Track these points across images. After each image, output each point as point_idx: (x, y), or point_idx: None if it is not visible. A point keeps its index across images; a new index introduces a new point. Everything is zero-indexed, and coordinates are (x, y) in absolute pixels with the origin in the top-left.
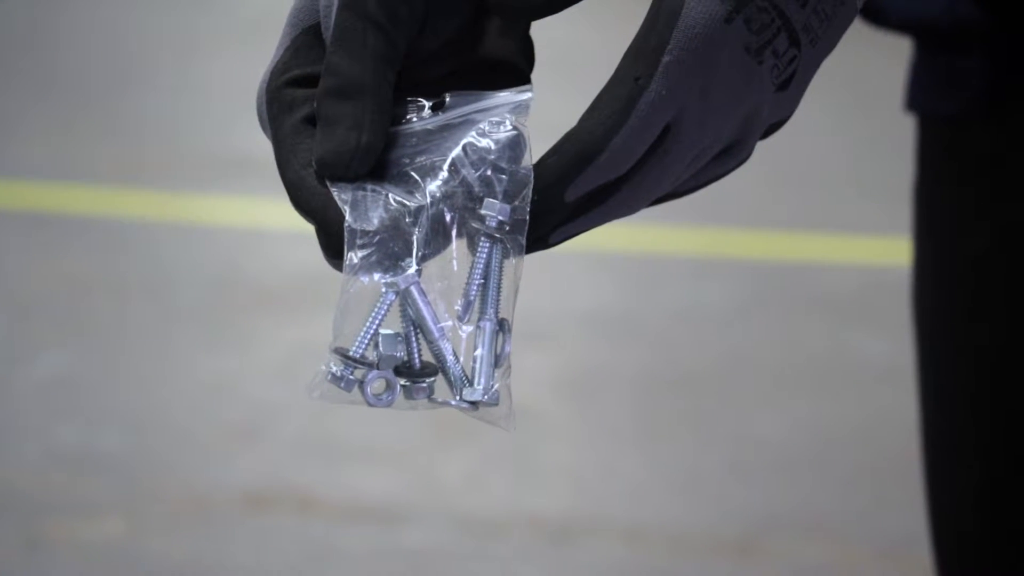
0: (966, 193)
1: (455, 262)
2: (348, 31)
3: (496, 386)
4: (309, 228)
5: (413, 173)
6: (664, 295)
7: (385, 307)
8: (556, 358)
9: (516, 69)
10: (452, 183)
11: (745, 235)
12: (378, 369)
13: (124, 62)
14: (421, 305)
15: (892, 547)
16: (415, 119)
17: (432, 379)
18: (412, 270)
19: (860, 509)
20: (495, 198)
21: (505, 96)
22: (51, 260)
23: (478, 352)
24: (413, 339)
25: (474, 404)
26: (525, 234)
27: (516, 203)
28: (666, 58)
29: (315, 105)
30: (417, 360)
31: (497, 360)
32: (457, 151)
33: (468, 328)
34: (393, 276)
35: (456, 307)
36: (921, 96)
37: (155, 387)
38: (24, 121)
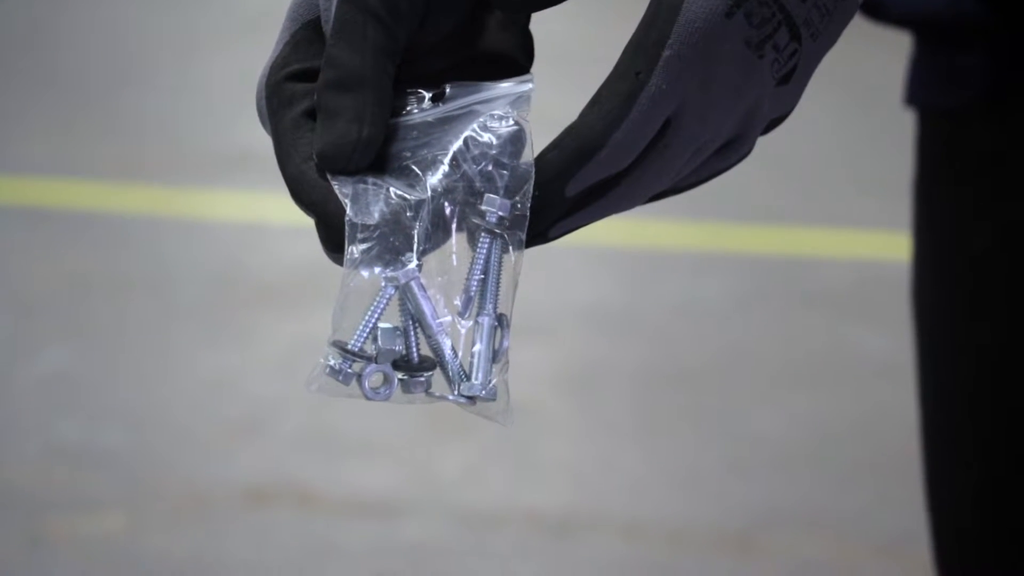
0: (966, 190)
1: (455, 257)
2: (348, 24)
3: (494, 381)
4: (309, 223)
5: (414, 167)
6: (663, 290)
7: (384, 301)
8: (555, 353)
9: (516, 63)
10: (453, 177)
11: (744, 230)
12: (376, 363)
13: (125, 59)
14: (420, 300)
15: (891, 543)
16: (416, 110)
17: (430, 373)
18: (412, 265)
19: (859, 505)
20: (496, 193)
21: (506, 87)
22: (52, 256)
23: (476, 347)
24: (412, 333)
25: (472, 399)
26: (525, 230)
27: (517, 199)
28: (667, 52)
29: (315, 98)
30: (415, 354)
31: (495, 355)
32: (458, 145)
33: (467, 323)
34: (393, 271)
35: (456, 303)
36: (921, 92)
37: (156, 383)
38: (25, 118)
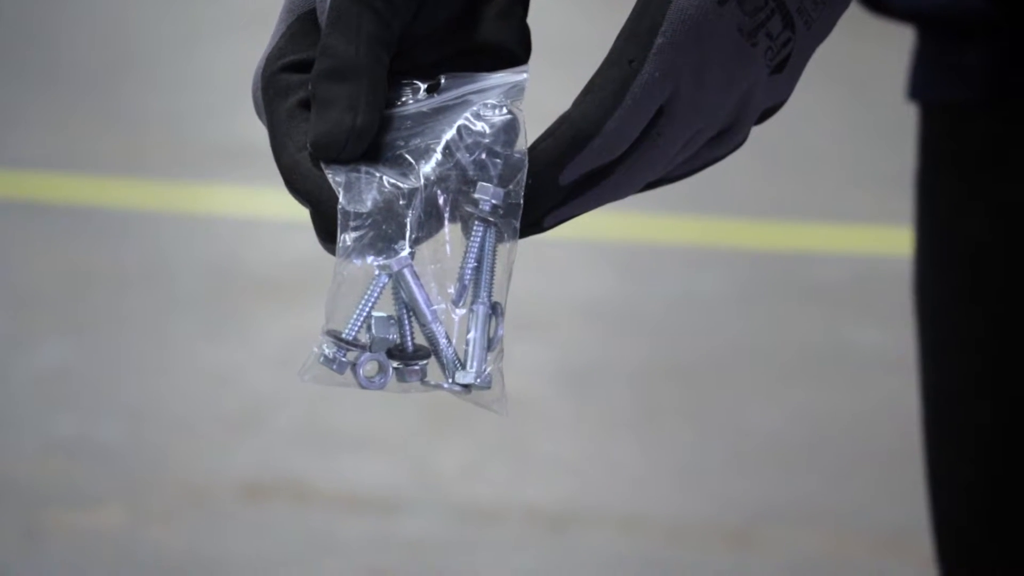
0: (969, 185)
1: (448, 245)
2: (343, 14)
3: (488, 369)
4: (308, 217)
5: (407, 155)
6: (660, 284)
7: (378, 289)
8: (552, 347)
9: (513, 55)
10: (446, 166)
11: (741, 224)
12: (371, 351)
13: (124, 52)
14: (414, 288)
15: (889, 537)
16: (411, 100)
17: (425, 362)
18: (405, 252)
19: (858, 499)
20: (489, 182)
21: (501, 77)
22: (50, 250)
23: (471, 335)
24: (406, 322)
25: (466, 387)
26: (519, 218)
27: (510, 187)
28: (659, 40)
29: (310, 87)
30: (410, 343)
31: (490, 343)
32: (451, 133)
33: (461, 311)
34: (386, 258)
35: (450, 291)
36: (924, 87)
37: (153, 377)
38: (24, 111)
